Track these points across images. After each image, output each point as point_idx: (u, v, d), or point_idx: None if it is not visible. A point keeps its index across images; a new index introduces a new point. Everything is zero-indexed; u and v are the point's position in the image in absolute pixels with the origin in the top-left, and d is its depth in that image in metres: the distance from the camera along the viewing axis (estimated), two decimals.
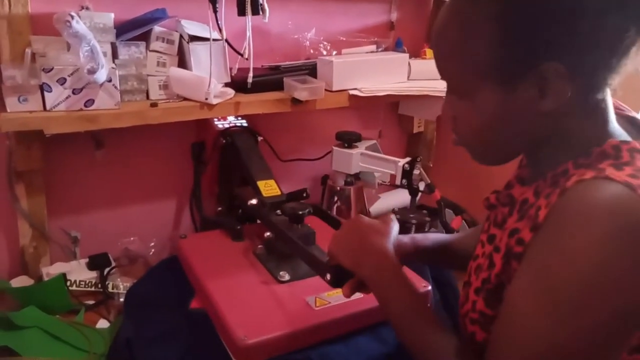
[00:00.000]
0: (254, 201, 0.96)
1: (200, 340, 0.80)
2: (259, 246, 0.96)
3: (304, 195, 1.00)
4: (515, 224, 0.55)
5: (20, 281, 1.07)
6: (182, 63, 1.09)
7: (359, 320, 0.82)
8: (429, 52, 1.46)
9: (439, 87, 1.38)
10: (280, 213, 0.95)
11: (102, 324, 0.99)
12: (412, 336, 0.59)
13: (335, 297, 0.83)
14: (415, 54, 1.46)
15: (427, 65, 1.43)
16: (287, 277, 0.87)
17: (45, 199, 1.10)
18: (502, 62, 0.51)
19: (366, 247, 0.66)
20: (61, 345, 0.90)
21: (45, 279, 1.05)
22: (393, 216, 0.73)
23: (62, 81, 0.94)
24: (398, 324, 0.61)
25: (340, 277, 0.68)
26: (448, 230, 1.25)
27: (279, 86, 1.18)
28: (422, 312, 0.60)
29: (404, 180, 1.21)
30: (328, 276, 0.69)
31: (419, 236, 0.77)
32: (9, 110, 0.93)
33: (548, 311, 0.46)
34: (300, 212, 0.89)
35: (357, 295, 0.80)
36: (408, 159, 1.20)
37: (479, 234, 0.82)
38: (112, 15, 0.98)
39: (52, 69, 0.93)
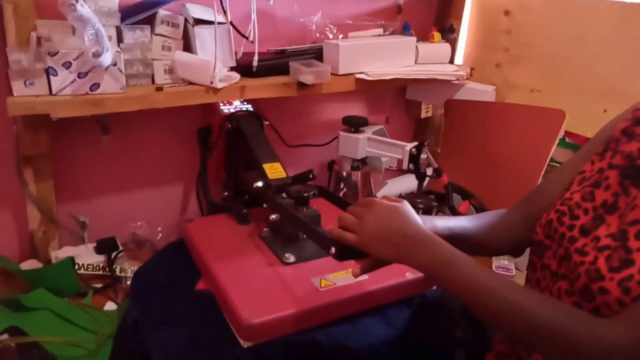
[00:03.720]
0: (259, 183, 0.95)
1: (206, 321, 0.80)
2: (265, 229, 0.96)
3: (310, 177, 0.99)
4: None
5: (30, 265, 1.08)
6: (187, 47, 1.08)
7: (365, 301, 0.82)
8: (437, 36, 1.44)
9: (447, 71, 1.37)
10: (285, 196, 0.94)
11: (110, 306, 1.00)
12: (500, 303, 0.57)
13: (341, 278, 0.83)
14: (423, 37, 1.44)
15: (435, 49, 1.41)
16: (292, 259, 0.87)
17: (53, 184, 1.10)
18: None
19: (411, 236, 0.64)
20: (69, 326, 0.91)
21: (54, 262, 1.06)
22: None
23: (67, 65, 0.94)
24: (481, 297, 0.59)
25: (345, 251, 0.67)
26: (455, 215, 1.24)
27: (284, 70, 1.17)
28: (499, 277, 0.60)
29: (411, 165, 1.20)
30: (333, 249, 0.68)
31: (439, 223, 0.75)
32: (15, 95, 0.94)
33: None
34: (306, 194, 0.89)
35: (363, 276, 0.80)
36: (415, 143, 1.19)
37: (494, 222, 0.81)
38: None
39: (57, 53, 0.93)
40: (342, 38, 1.31)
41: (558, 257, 0.66)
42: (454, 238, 0.76)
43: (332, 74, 1.19)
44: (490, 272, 0.62)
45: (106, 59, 0.93)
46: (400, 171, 1.44)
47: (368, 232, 0.66)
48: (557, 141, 1.22)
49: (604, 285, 0.57)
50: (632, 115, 0.67)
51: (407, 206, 0.68)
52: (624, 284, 0.56)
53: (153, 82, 1.06)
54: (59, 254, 1.09)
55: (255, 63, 1.10)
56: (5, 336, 0.84)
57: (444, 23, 1.50)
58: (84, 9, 0.90)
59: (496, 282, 0.59)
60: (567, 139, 1.35)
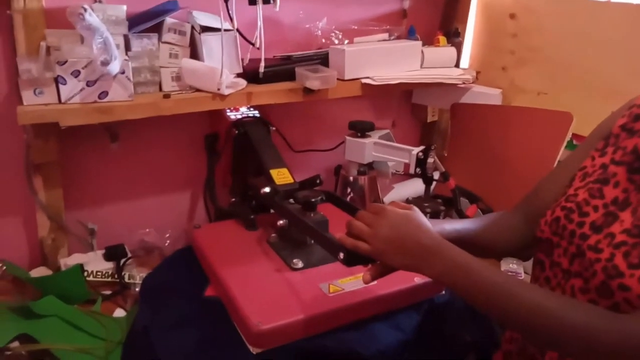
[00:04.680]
0: (267, 189, 0.96)
1: (215, 327, 0.80)
2: (272, 235, 0.96)
3: (317, 182, 0.99)
4: None
5: (39, 272, 1.08)
6: (194, 54, 1.09)
7: (373, 306, 0.81)
8: (442, 40, 1.44)
9: (453, 74, 1.37)
10: (293, 201, 0.95)
11: (119, 313, 1.00)
12: (519, 306, 0.58)
13: (349, 283, 0.82)
14: (429, 41, 1.44)
15: (441, 52, 1.41)
16: (300, 264, 0.87)
17: (62, 192, 1.11)
18: None
19: (426, 244, 0.64)
20: (79, 333, 0.91)
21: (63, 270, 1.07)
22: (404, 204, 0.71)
23: (76, 73, 0.95)
24: (500, 301, 0.59)
25: (353, 257, 0.67)
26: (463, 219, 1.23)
27: (291, 76, 1.18)
28: (515, 279, 0.60)
29: (418, 169, 1.20)
30: (341, 255, 0.68)
31: (447, 226, 0.75)
32: (25, 103, 0.95)
33: None
34: (313, 200, 0.89)
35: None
36: (422, 147, 1.19)
37: (499, 222, 0.81)
38: (125, 7, 0.99)
39: (66, 62, 0.94)
40: (348, 43, 1.31)
41: (569, 255, 0.66)
42: (461, 240, 0.76)
43: (338, 79, 1.19)
44: (506, 275, 0.61)
45: (114, 67, 0.94)
46: (407, 175, 1.43)
47: (382, 240, 0.65)
48: (564, 144, 1.22)
49: (624, 282, 0.57)
50: (629, 112, 0.67)
51: (418, 213, 0.68)
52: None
53: (160, 89, 1.07)
54: (68, 261, 1.10)
55: (261, 69, 1.10)
56: (16, 343, 0.85)
57: (449, 27, 1.50)
58: (92, 18, 0.91)
59: (514, 285, 0.59)
60: (574, 142, 1.35)
